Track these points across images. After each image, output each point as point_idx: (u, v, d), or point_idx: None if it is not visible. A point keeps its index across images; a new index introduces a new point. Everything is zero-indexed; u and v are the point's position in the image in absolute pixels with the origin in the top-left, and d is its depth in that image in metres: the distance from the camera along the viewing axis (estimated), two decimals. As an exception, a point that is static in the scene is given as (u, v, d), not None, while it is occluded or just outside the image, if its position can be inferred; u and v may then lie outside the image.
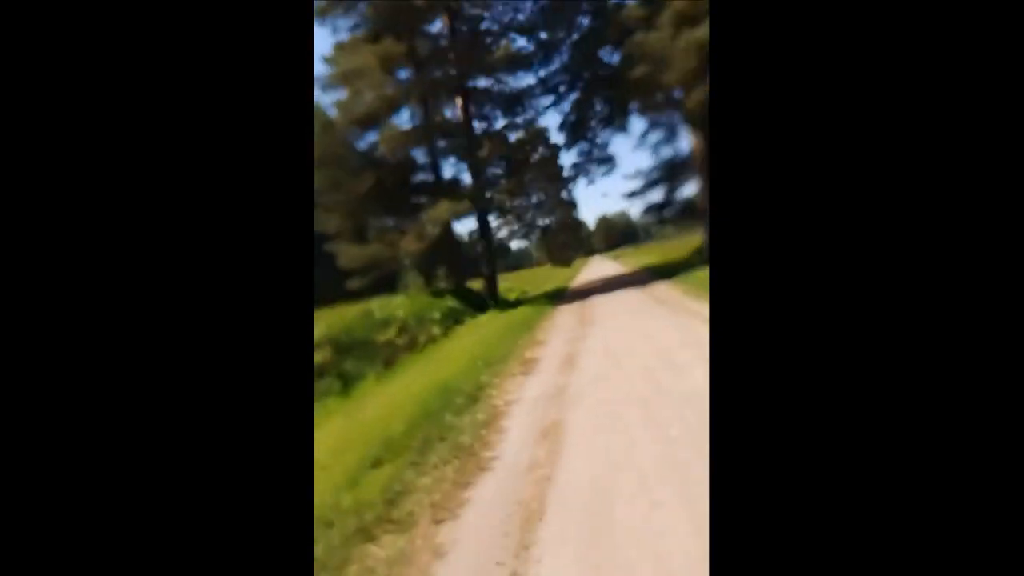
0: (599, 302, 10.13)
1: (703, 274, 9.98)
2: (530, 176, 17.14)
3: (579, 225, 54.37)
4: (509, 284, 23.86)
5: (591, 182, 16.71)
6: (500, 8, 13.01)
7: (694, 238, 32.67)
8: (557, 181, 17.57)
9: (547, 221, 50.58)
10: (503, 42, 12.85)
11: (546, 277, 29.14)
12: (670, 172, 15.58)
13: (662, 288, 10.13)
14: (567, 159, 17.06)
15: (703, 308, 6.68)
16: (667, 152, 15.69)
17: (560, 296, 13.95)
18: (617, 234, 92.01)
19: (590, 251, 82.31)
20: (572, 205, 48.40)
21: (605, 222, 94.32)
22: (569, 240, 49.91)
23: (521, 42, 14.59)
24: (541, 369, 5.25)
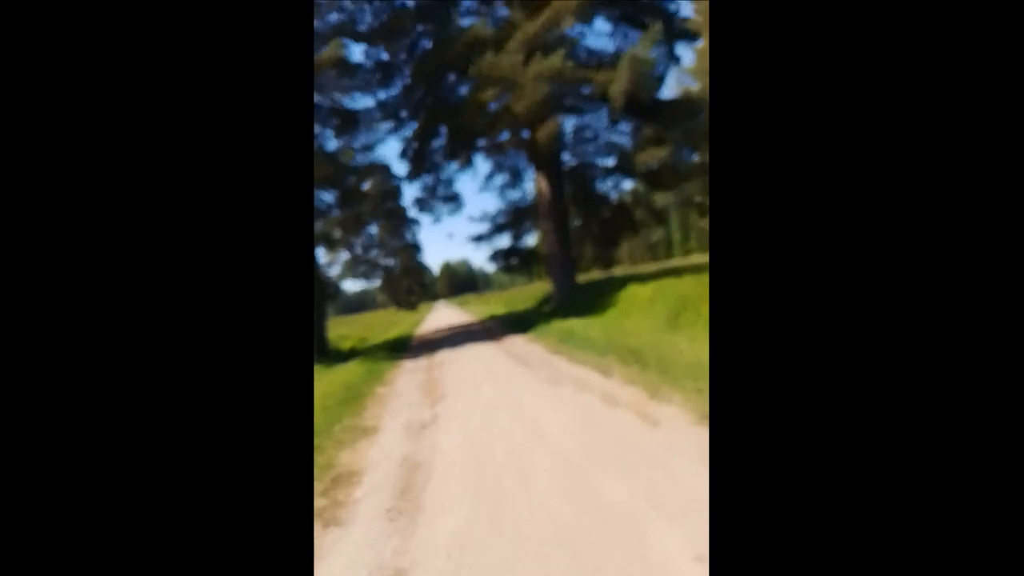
0: (450, 359, 8.24)
1: (560, 325, 8.96)
2: (366, 208, 14.85)
3: (422, 270, 53.35)
4: (347, 330, 20.46)
5: (436, 219, 14.91)
6: (324, 7, 10.93)
7: (536, 286, 33.64)
8: (397, 217, 15.58)
9: (391, 262, 47.43)
10: (328, 47, 10.72)
11: (389, 322, 26.25)
12: (516, 217, 14.88)
13: (520, 343, 8.74)
14: (409, 193, 15.19)
15: (578, 370, 5.27)
16: (513, 195, 15.06)
17: (404, 347, 11.67)
18: (459, 281, 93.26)
19: (434, 296, 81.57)
20: (416, 248, 46.77)
21: (448, 269, 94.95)
22: (413, 285, 47.96)
23: (358, 55, 12.64)
24: (360, 509, 2.69)
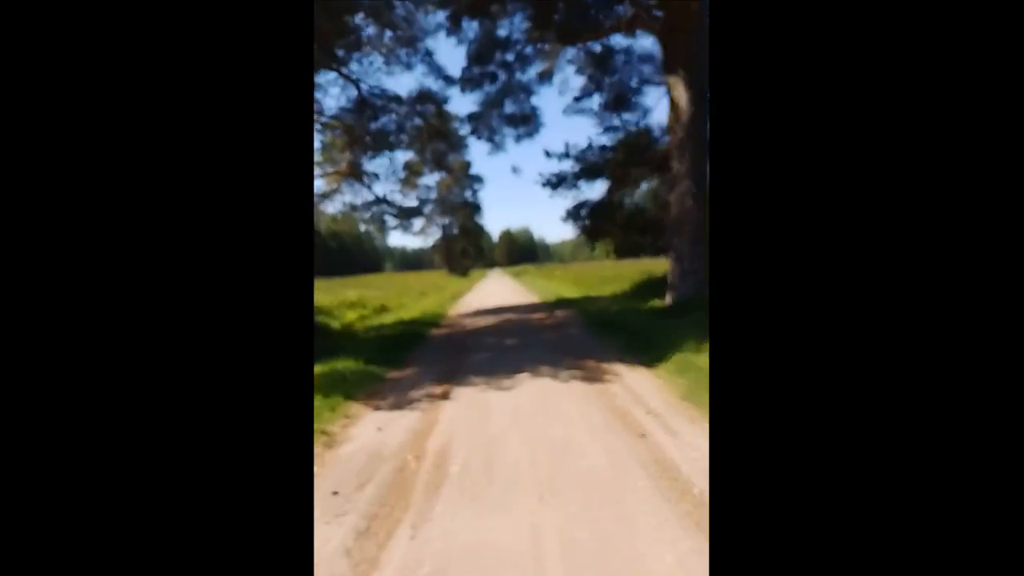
0: (482, 407, 3.49)
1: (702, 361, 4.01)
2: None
3: (480, 232, 49.04)
4: (372, 293, 16.38)
5: (497, 147, 9.81)
6: None
7: (608, 265, 27.96)
8: (439, 139, 10.81)
9: (447, 221, 41.61)
10: None
11: (432, 287, 22.02)
12: (624, 155, 9.61)
13: (637, 382, 3.81)
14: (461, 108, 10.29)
15: None
16: (620, 121, 9.81)
17: (416, 343, 7.01)
18: (518, 249, 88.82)
19: (490, 263, 77.73)
20: (475, 207, 41.82)
21: (508, 236, 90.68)
22: (468, 247, 43.55)
23: None
24: None
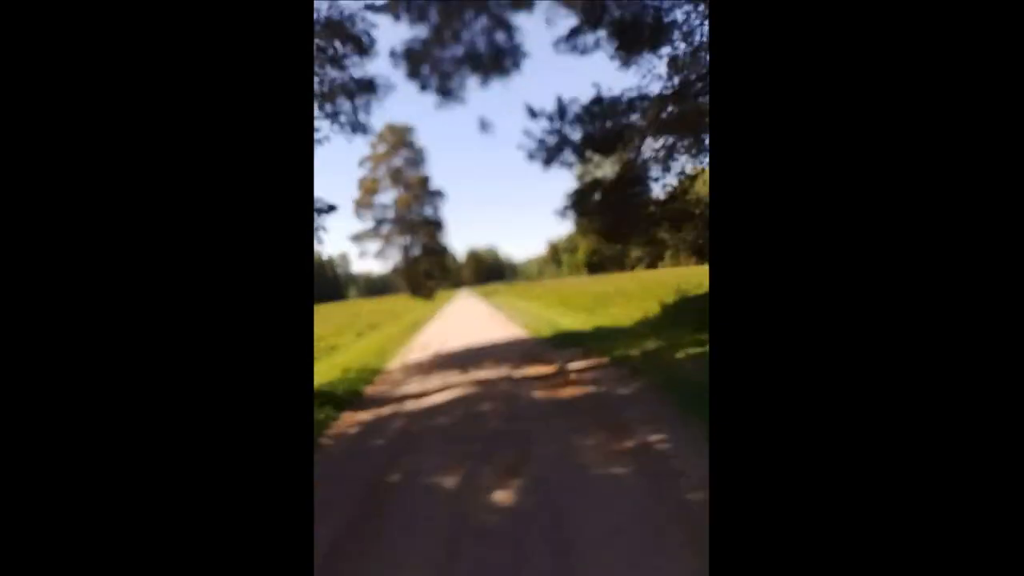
0: None
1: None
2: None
3: (444, 251, 45.05)
4: (320, 327, 12.18)
5: (449, 95, 5.88)
6: None
7: (585, 281, 24.36)
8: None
9: (407, 240, 36.98)
10: None
11: (388, 316, 17.83)
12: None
13: None
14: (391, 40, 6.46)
15: None
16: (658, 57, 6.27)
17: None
18: (485, 269, 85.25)
19: (457, 283, 73.63)
20: (437, 225, 37.50)
21: (474, 256, 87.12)
22: (433, 268, 39.39)
23: None
24: None
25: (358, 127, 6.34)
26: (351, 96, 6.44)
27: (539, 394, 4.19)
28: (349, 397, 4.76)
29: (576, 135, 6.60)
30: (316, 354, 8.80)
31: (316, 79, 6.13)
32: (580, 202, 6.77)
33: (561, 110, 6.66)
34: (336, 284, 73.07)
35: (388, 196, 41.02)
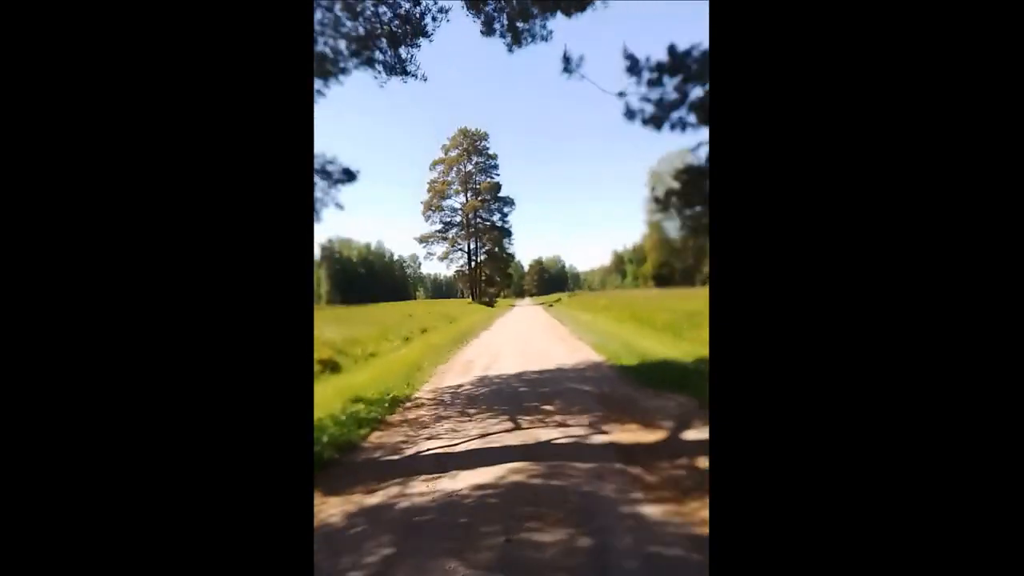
0: None
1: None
2: None
3: (509, 258, 43.55)
4: (374, 328, 10.86)
5: (534, 37, 3.89)
6: None
7: (650, 293, 21.46)
8: None
9: (472, 245, 36.28)
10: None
11: (442, 320, 16.43)
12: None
13: None
14: None
15: None
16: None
17: None
18: (548, 280, 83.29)
19: (519, 292, 72.20)
20: (505, 232, 36.47)
21: (538, 264, 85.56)
22: (495, 274, 38.06)
23: None
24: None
25: (397, 68, 4.71)
26: (394, 38, 4.84)
27: (653, 511, 2.17)
28: (330, 458, 3.02)
29: (696, 92, 4.55)
30: (348, 364, 7.33)
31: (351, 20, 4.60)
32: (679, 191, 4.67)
33: (676, 60, 4.63)
34: (404, 284, 74.44)
35: (457, 200, 40.40)
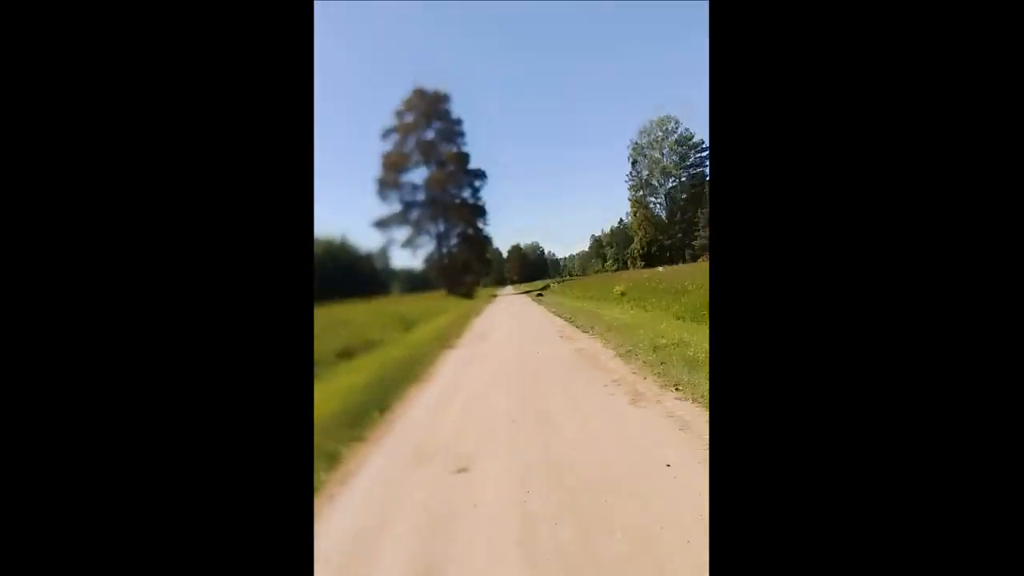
0: None
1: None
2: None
3: (486, 241, 38.30)
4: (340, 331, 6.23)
5: None
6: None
7: (642, 275, 17.48)
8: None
9: (440, 228, 30.66)
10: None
11: (422, 314, 11.67)
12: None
13: None
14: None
15: None
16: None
17: None
18: (529, 265, 78.93)
19: (500, 280, 67.32)
20: (478, 210, 30.71)
21: (518, 250, 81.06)
22: (473, 260, 32.91)
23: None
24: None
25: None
26: None
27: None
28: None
29: None
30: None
31: None
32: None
33: None
34: (376, 280, 69.16)
35: (418, 175, 34.51)
